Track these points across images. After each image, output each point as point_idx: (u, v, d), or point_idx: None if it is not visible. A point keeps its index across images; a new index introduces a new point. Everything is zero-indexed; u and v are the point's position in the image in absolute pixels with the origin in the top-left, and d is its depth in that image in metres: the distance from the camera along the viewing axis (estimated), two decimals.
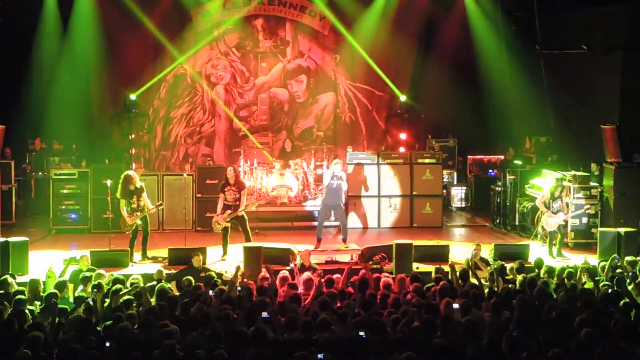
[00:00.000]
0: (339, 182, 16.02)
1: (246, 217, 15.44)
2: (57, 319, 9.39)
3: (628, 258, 12.94)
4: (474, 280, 11.47)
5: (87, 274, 11.70)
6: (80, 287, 11.35)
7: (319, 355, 7.79)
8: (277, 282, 11.71)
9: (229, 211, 15.21)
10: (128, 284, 11.16)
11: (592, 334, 8.19)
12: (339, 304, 10.20)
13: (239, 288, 10.72)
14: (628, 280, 11.52)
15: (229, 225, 15.30)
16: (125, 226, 15.00)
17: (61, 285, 11.22)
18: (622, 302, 10.10)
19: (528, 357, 7.86)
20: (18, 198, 18.99)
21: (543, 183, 17.37)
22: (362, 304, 9.76)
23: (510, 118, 21.41)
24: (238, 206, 15.22)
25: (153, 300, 10.40)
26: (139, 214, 14.90)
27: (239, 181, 15.58)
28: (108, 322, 9.29)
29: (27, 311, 9.61)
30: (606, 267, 12.61)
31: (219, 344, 8.27)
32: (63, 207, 17.92)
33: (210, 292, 10.17)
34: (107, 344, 8.23)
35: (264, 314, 9.17)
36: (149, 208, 15.01)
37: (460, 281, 11.31)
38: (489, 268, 12.77)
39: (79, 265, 12.77)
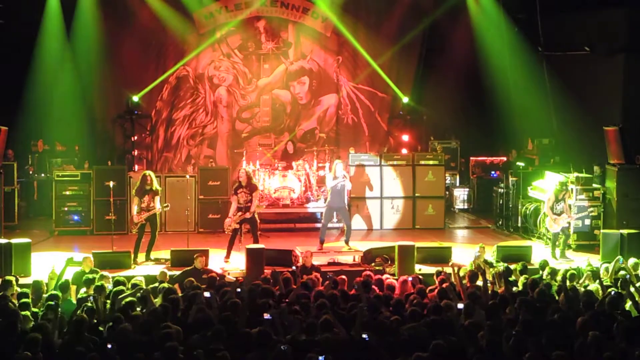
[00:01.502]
0: (342, 182, 15.99)
1: (257, 221, 15.40)
2: (60, 321, 9.40)
3: (631, 261, 12.91)
4: (478, 282, 11.47)
5: (90, 275, 11.71)
6: (84, 289, 11.34)
7: (320, 358, 7.79)
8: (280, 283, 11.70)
9: (239, 213, 15.21)
10: (130, 286, 11.17)
11: (595, 336, 8.19)
12: (341, 306, 10.19)
13: (238, 290, 10.70)
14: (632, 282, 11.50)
15: (238, 227, 15.30)
16: (132, 225, 15.04)
17: (64, 287, 11.23)
18: (625, 304, 10.09)
19: (530, 357, 7.85)
20: (20, 199, 19.01)
21: (546, 185, 17.35)
22: (368, 306, 9.77)
23: (513, 120, 21.38)
24: (249, 208, 15.20)
25: (157, 301, 10.40)
26: (146, 213, 14.92)
27: (251, 183, 15.55)
28: (110, 324, 9.29)
29: (28, 313, 9.62)
30: (610, 268, 12.60)
31: (221, 345, 8.27)
32: (65, 208, 17.93)
33: (206, 294, 10.14)
34: (109, 346, 8.23)
35: (266, 316, 9.17)
36: (156, 208, 15.04)
37: (467, 282, 11.29)
38: (492, 270, 12.76)
39: (82, 267, 12.77)
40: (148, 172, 15.24)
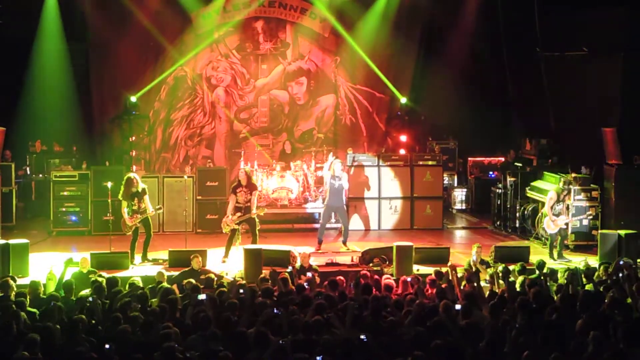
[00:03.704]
0: (340, 182, 16.04)
1: (257, 220, 15.41)
2: (59, 321, 9.40)
3: (625, 260, 12.93)
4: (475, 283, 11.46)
5: (98, 277, 11.71)
6: (87, 290, 11.33)
7: (318, 358, 7.79)
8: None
9: (239, 213, 15.18)
10: (127, 286, 11.17)
11: (594, 336, 8.18)
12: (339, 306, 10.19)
13: (241, 290, 10.69)
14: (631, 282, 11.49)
15: (238, 227, 15.28)
16: (125, 227, 15.00)
17: (68, 287, 11.24)
18: (624, 304, 10.08)
19: (528, 357, 7.84)
20: (18, 200, 19.00)
21: (544, 185, 17.36)
22: (366, 306, 9.76)
23: (511, 120, 21.40)
24: (249, 208, 15.18)
25: (155, 302, 10.40)
26: (139, 215, 14.92)
27: (251, 183, 15.56)
28: (108, 324, 9.29)
29: (24, 313, 9.61)
30: (610, 269, 12.60)
31: (220, 345, 8.27)
32: (63, 209, 17.92)
33: (201, 296, 10.14)
34: (107, 346, 8.22)
35: (275, 310, 9.21)
36: (149, 211, 15.03)
37: (465, 283, 11.29)
38: (489, 270, 12.76)
39: (79, 267, 12.77)
40: (132, 175, 15.16)
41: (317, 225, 16.92)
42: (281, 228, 18.42)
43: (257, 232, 15.35)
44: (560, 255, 15.54)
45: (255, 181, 16.11)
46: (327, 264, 14.64)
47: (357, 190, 18.77)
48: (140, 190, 14.98)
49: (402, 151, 20.94)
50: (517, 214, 18.22)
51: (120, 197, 15.08)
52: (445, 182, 20.81)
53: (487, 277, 12.26)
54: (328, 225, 17.61)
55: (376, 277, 12.13)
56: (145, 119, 21.59)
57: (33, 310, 10.17)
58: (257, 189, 15.84)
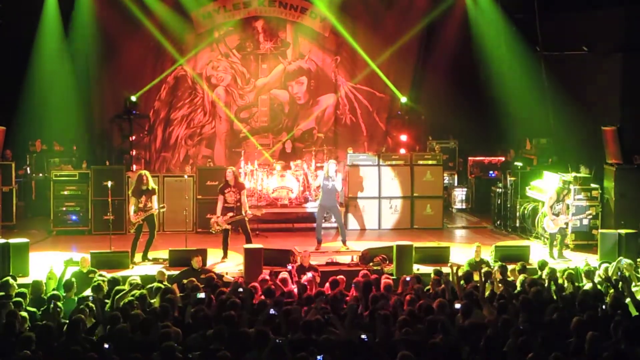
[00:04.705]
0: (333, 183, 16.05)
1: (246, 219, 15.42)
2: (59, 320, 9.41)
3: (625, 261, 12.92)
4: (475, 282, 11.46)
5: (100, 278, 11.72)
6: (88, 290, 11.34)
7: (318, 357, 7.79)
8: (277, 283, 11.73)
9: (230, 213, 15.16)
10: (127, 285, 11.18)
11: (591, 337, 8.18)
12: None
13: (240, 289, 10.70)
14: (633, 283, 11.50)
15: (229, 227, 15.29)
16: (129, 225, 15.08)
17: (68, 286, 11.25)
18: (624, 303, 10.08)
19: (533, 358, 7.85)
20: (19, 199, 19.00)
21: (544, 185, 17.36)
22: (366, 306, 9.77)
23: (511, 119, 21.41)
24: (240, 207, 15.19)
25: (155, 301, 10.41)
26: (143, 213, 14.94)
27: (239, 182, 15.59)
28: (107, 324, 9.29)
29: (24, 313, 9.62)
30: (609, 268, 12.60)
31: (220, 345, 8.28)
32: (64, 208, 17.91)
33: (200, 295, 10.14)
34: (106, 346, 8.23)
35: (271, 311, 9.21)
36: (153, 209, 15.05)
37: (463, 282, 11.30)
38: (488, 269, 12.74)
39: (79, 267, 12.78)
40: (144, 172, 15.24)
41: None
42: (281, 227, 18.43)
43: (249, 230, 15.37)
44: (560, 255, 15.55)
45: (242, 181, 16.11)
46: (327, 264, 14.64)
47: (357, 189, 18.77)
48: (150, 188, 15.04)
49: (403, 150, 20.96)
50: (517, 214, 18.22)
51: (130, 192, 15.16)
52: (446, 181, 20.80)
53: (480, 278, 12.18)
54: (328, 225, 17.63)
55: (376, 276, 12.13)
56: (145, 119, 21.61)
57: (33, 310, 10.20)
58: (245, 187, 15.86)
